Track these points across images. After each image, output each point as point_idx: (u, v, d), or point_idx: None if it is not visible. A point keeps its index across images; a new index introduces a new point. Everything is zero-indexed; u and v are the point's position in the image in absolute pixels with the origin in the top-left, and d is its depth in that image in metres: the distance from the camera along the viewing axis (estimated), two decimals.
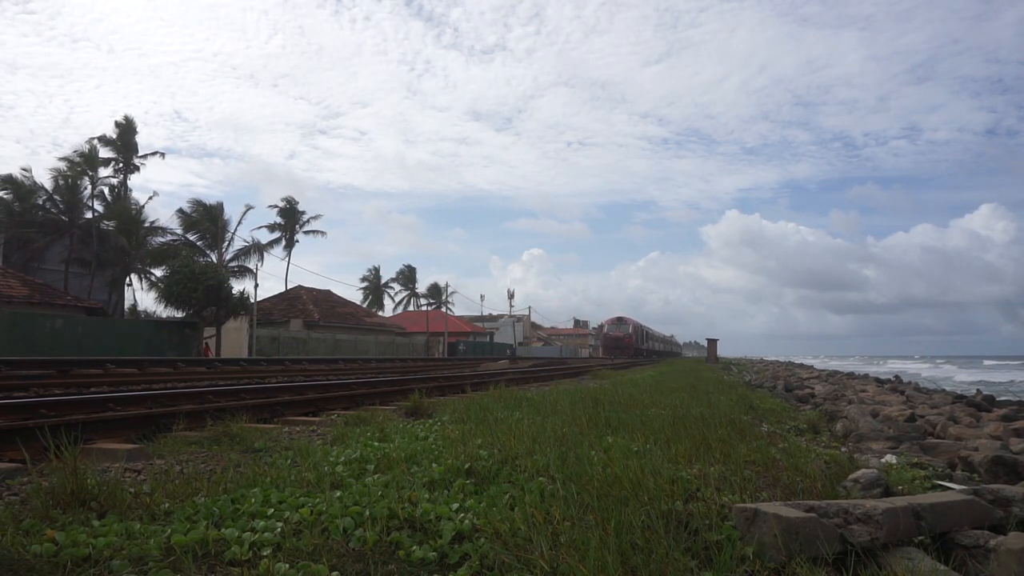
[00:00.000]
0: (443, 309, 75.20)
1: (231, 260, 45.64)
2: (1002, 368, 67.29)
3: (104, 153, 43.08)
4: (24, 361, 14.85)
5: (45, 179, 39.68)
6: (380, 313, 72.08)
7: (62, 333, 24.45)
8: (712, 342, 55.93)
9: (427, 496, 3.39)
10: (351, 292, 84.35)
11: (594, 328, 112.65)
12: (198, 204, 44.27)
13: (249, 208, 49.29)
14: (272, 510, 3.13)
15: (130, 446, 5.20)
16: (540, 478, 3.76)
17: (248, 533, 2.80)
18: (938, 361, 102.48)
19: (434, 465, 4.17)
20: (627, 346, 64.76)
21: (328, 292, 52.70)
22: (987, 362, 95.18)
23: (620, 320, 68.20)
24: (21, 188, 37.82)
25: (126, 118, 44.56)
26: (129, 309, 43.93)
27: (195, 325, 30.28)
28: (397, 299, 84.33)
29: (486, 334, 75.10)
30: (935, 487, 4.24)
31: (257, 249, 48.34)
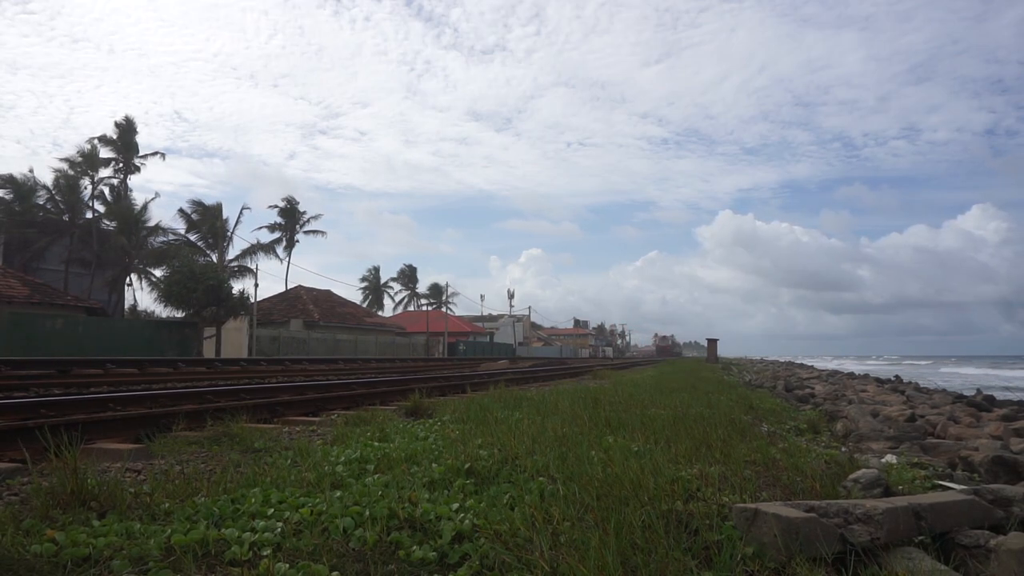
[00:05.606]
0: (443, 309, 75.18)
1: (232, 260, 45.69)
2: (918, 367, 73.66)
3: (104, 153, 43.11)
4: (24, 361, 14.85)
5: (46, 179, 39.78)
6: (380, 313, 72.07)
7: (62, 333, 24.45)
8: (712, 342, 55.95)
9: (427, 496, 3.39)
10: (351, 292, 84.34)
11: (591, 330, 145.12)
12: (198, 204, 44.33)
13: (246, 208, 48.91)
14: (272, 510, 3.13)
15: (130, 446, 5.21)
16: (540, 478, 3.76)
17: (248, 533, 2.80)
18: (870, 361, 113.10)
19: (434, 465, 4.17)
20: (668, 351, 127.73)
21: (328, 292, 52.72)
22: (907, 362, 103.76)
23: (664, 337, 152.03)
24: (21, 188, 37.84)
25: (126, 118, 44.55)
26: (129, 309, 43.93)
27: (195, 325, 30.28)
28: (397, 299, 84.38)
29: (486, 334, 75.09)
30: (935, 487, 4.23)
31: (258, 249, 48.43)
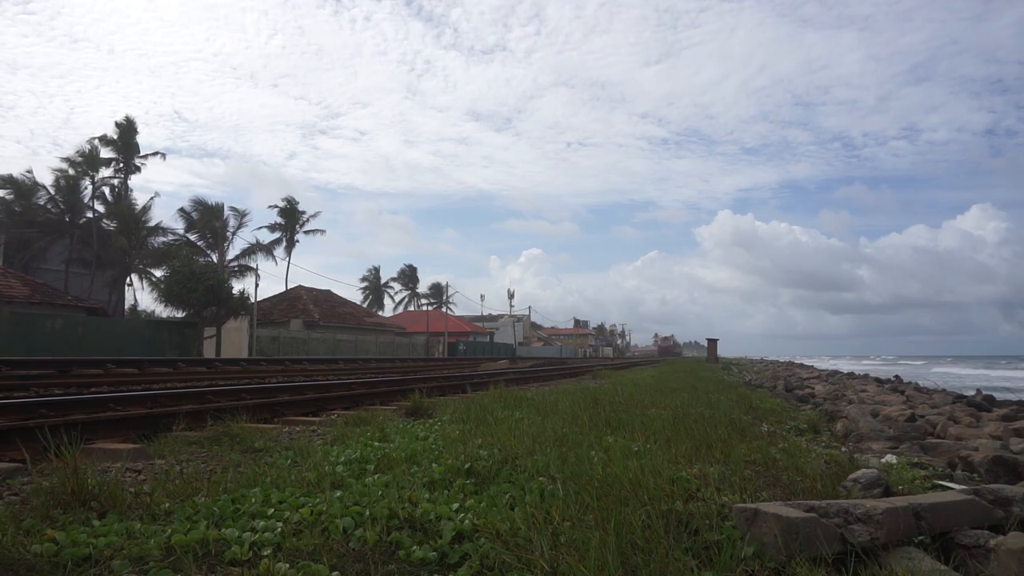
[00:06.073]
0: (444, 309, 75.16)
1: (232, 260, 45.65)
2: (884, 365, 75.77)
3: (105, 153, 43.05)
4: (24, 361, 14.85)
5: (46, 179, 39.77)
6: (380, 313, 72.06)
7: (62, 333, 24.44)
8: (712, 342, 55.98)
9: (427, 496, 3.39)
10: (351, 292, 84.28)
11: (590, 330, 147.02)
12: (199, 203, 44.29)
13: (245, 212, 48.25)
14: (272, 510, 3.13)
15: (131, 446, 5.21)
16: (540, 478, 3.76)
17: (248, 533, 2.80)
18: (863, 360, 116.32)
19: (434, 465, 4.17)
20: (669, 351, 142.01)
21: (328, 292, 52.71)
22: (902, 362, 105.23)
23: (666, 337, 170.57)
24: (22, 188, 37.83)
25: (127, 118, 44.48)
26: (129, 309, 43.91)
27: (195, 325, 30.28)
28: (397, 299, 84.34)
29: (486, 334, 75.12)
30: (935, 487, 4.24)
31: (259, 249, 48.40)
